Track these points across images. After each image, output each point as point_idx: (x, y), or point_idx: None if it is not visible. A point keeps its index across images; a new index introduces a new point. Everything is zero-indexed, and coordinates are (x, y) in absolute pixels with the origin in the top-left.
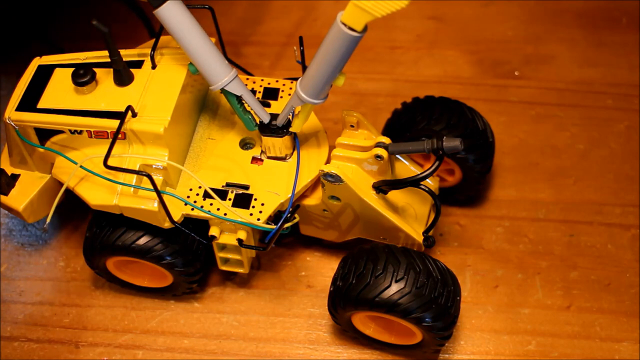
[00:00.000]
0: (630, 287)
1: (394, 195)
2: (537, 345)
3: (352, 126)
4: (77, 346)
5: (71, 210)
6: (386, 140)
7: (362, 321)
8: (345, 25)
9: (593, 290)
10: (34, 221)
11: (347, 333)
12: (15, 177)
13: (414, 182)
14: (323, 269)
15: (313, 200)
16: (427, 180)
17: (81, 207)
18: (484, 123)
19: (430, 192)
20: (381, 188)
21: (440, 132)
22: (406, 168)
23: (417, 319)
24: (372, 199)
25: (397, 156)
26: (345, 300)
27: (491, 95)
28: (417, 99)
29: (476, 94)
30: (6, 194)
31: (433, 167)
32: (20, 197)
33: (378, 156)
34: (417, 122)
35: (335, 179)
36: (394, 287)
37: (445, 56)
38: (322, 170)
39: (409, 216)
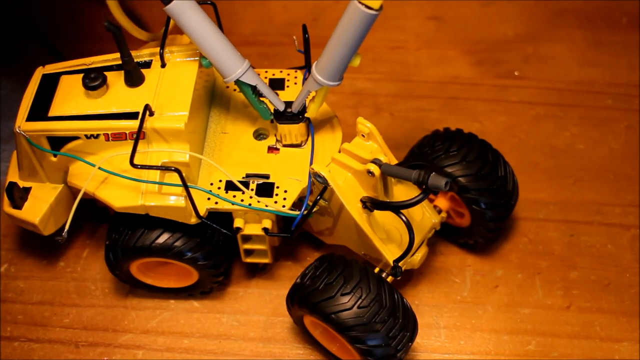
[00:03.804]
0: (630, 287)
1: (385, 215)
2: (537, 345)
3: (363, 135)
4: (77, 346)
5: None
6: (384, 158)
7: (312, 324)
8: (361, 3)
9: (593, 290)
10: (50, 233)
11: None
12: (27, 190)
13: (393, 209)
14: None
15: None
16: (434, 215)
17: (81, 207)
18: (507, 171)
19: (407, 222)
20: (366, 204)
21: (438, 167)
22: (409, 193)
23: (365, 351)
24: (355, 210)
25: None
26: (303, 301)
27: (491, 95)
28: (448, 129)
29: (476, 94)
30: (20, 207)
31: (415, 200)
32: (34, 210)
33: (369, 172)
34: (435, 151)
35: (322, 180)
36: (353, 312)
37: (445, 56)
38: (313, 169)
39: (393, 240)
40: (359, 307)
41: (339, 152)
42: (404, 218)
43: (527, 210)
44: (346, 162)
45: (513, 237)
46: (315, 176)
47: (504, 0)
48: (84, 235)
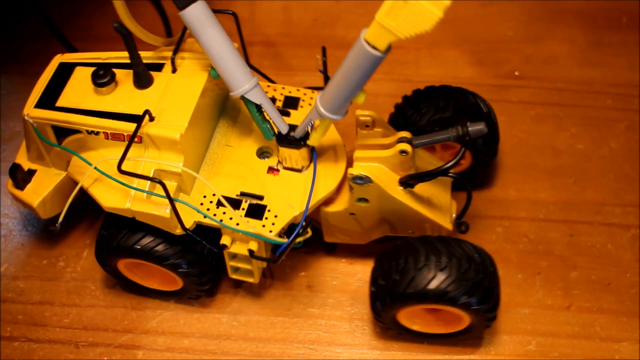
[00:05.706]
0: (630, 287)
1: (418, 188)
2: (537, 345)
3: (367, 126)
4: (77, 346)
5: (71, 210)
6: (407, 134)
7: (408, 317)
8: (368, 43)
9: (593, 290)
10: (48, 217)
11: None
12: (31, 173)
13: (442, 172)
14: (323, 269)
15: (339, 205)
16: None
17: (81, 207)
18: (487, 106)
19: (461, 179)
20: (408, 183)
21: (463, 119)
22: (425, 159)
23: (465, 304)
24: (401, 195)
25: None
26: (391, 297)
27: (491, 95)
28: (418, 90)
29: None
30: (22, 189)
31: (460, 155)
32: (35, 193)
33: (403, 151)
34: (423, 114)
35: (364, 180)
36: (440, 276)
37: (445, 56)
38: (351, 174)
39: (435, 207)
40: (440, 270)
41: (355, 150)
42: (456, 176)
43: (527, 210)
44: (369, 155)
45: (513, 237)
46: (354, 180)
47: (504, 0)
48: (84, 236)
